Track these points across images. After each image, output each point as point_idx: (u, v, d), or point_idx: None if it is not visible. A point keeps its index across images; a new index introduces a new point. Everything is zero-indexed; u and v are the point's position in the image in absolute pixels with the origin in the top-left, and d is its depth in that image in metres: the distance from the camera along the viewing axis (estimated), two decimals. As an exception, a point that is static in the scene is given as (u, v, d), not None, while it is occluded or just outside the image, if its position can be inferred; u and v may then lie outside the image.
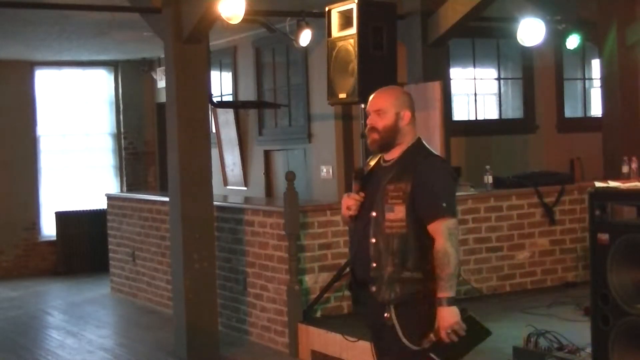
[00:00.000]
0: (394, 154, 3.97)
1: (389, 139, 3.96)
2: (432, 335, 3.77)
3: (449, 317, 3.75)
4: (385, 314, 3.84)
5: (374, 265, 3.87)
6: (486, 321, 3.92)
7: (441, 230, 3.78)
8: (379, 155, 4.07)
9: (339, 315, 7.36)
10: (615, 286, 4.65)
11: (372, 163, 4.11)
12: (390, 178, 3.91)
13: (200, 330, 7.45)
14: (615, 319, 4.66)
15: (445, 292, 3.75)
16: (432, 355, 3.83)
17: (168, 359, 7.65)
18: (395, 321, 3.82)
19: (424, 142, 4.02)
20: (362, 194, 3.98)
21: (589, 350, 5.07)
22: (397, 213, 3.83)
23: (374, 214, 3.90)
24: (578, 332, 5.67)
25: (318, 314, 7.43)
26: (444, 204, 3.80)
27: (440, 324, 3.76)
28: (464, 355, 3.92)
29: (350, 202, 4.00)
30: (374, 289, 3.87)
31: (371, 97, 4.05)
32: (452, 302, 3.76)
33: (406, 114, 3.96)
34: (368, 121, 4.00)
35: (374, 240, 3.88)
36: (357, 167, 4.17)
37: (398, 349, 3.83)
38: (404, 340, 3.81)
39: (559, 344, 5.47)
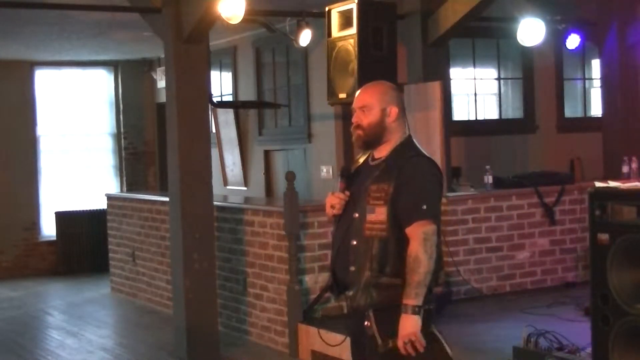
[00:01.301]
0: (381, 152, 3.79)
1: (374, 137, 3.77)
2: (391, 342, 3.61)
3: (408, 325, 3.55)
4: (366, 322, 3.67)
5: (353, 269, 3.69)
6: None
7: (417, 234, 3.57)
8: (368, 153, 3.88)
9: (339, 315, 7.35)
10: (615, 286, 4.65)
11: (361, 161, 3.91)
12: (374, 177, 3.71)
13: (200, 330, 7.44)
14: (615, 319, 4.66)
15: (410, 299, 3.55)
16: None
17: (168, 359, 7.65)
18: (375, 330, 3.65)
19: (415, 141, 3.82)
20: (347, 193, 3.80)
21: (589, 350, 5.06)
22: (378, 215, 3.64)
23: (356, 214, 3.72)
24: (578, 332, 5.66)
25: (318, 314, 7.43)
26: (424, 207, 3.60)
27: (399, 332, 3.57)
28: None
29: (335, 200, 3.81)
30: (350, 293, 3.71)
31: (357, 93, 3.88)
32: (416, 311, 3.55)
33: (393, 110, 3.77)
34: (353, 119, 3.81)
35: (354, 243, 3.70)
36: (343, 164, 3.98)
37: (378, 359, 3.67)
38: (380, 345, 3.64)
39: (559, 344, 5.46)
